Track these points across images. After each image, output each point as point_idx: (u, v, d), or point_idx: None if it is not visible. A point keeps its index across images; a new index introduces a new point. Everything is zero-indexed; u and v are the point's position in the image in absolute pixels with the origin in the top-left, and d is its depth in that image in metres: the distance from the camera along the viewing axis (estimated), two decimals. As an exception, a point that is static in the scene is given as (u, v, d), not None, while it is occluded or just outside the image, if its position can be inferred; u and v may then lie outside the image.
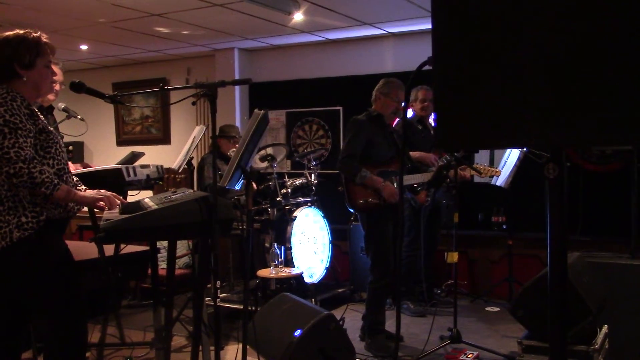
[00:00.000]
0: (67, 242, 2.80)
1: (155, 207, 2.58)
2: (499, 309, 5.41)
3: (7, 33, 2.65)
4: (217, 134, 2.74)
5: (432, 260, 5.49)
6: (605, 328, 3.38)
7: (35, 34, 2.67)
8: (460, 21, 1.43)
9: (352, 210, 4.49)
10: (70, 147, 7.91)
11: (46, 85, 2.75)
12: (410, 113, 5.33)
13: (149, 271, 3.74)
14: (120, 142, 8.51)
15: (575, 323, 3.08)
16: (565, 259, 1.51)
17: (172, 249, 3.07)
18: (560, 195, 1.47)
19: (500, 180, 5.08)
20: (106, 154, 8.39)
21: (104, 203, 2.69)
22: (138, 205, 2.70)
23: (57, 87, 3.60)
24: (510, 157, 5.12)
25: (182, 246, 6.04)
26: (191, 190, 3.02)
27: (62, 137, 3.05)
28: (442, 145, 1.56)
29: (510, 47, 1.36)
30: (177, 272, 5.72)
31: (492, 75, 1.39)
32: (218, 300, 2.69)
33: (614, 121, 1.28)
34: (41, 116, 2.73)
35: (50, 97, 3.64)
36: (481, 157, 5.72)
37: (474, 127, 1.43)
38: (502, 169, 5.11)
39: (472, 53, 1.41)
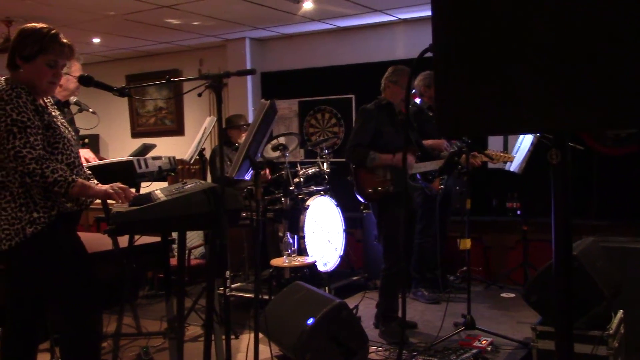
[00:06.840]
0: (84, 233, 2.84)
1: (164, 198, 2.61)
2: (514, 295, 5.38)
3: (28, 25, 2.63)
4: (224, 124, 2.74)
5: (444, 247, 5.48)
6: (620, 313, 3.36)
7: (49, 31, 2.61)
8: (461, 5, 1.42)
9: (362, 200, 4.49)
10: (86, 140, 7.96)
11: (42, 84, 2.62)
12: (417, 100, 5.30)
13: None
14: (135, 134, 8.57)
15: (589, 308, 3.06)
16: (570, 244, 1.49)
17: (182, 240, 3.09)
18: (564, 180, 1.45)
19: (514, 166, 5.04)
20: (121, 146, 8.45)
21: (117, 195, 2.66)
22: (148, 197, 2.72)
23: (72, 85, 3.62)
24: (524, 142, 5.07)
25: (197, 236, 6.07)
26: (202, 182, 3.03)
27: (78, 131, 3.06)
28: (443, 132, 1.55)
29: (512, 30, 1.34)
30: (193, 262, 5.76)
31: (493, 60, 1.37)
32: (229, 289, 2.72)
33: (618, 104, 1.26)
34: (54, 112, 2.73)
35: (76, 93, 3.68)
36: (494, 143, 5.68)
37: (475, 112, 1.41)
38: (515, 154, 5.06)
39: (473, 37, 1.39)
